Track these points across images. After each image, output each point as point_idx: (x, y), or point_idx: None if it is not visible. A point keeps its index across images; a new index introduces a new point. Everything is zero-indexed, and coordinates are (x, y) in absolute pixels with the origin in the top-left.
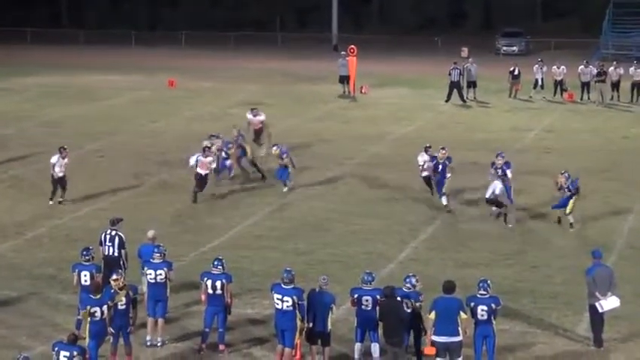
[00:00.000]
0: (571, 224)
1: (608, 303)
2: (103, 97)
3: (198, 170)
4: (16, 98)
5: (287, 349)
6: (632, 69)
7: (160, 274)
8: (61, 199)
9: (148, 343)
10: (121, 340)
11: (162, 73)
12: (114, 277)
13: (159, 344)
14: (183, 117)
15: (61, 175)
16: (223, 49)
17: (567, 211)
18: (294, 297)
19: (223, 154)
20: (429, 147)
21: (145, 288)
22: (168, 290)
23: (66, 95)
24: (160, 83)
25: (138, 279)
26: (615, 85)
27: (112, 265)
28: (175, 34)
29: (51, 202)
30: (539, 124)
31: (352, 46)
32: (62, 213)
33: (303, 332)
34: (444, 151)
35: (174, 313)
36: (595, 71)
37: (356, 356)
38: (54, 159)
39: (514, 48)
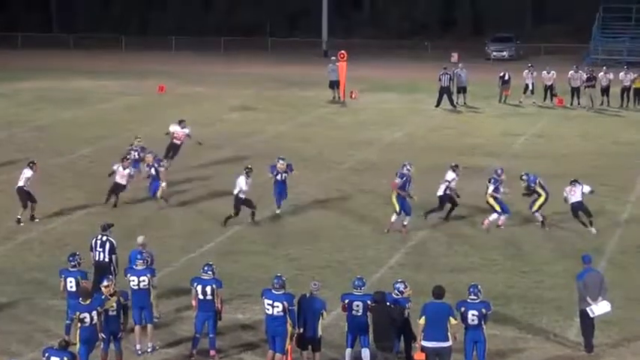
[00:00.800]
0: (542, 222)
1: (599, 308)
2: (94, 102)
3: (117, 180)
4: (7, 103)
5: (278, 355)
6: (621, 74)
7: (144, 281)
8: (22, 212)
9: (139, 352)
10: (112, 346)
11: (153, 78)
12: (105, 283)
13: (149, 350)
14: (174, 122)
15: (27, 190)
16: (213, 54)
17: (534, 208)
18: (285, 302)
19: (153, 170)
20: (457, 166)
21: None
22: (152, 296)
23: (56, 100)
24: (150, 88)
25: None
26: (605, 90)
27: (102, 270)
28: (165, 39)
29: (22, 223)
30: (529, 129)
31: (342, 51)
32: (53, 218)
33: (294, 338)
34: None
35: (165, 319)
36: (585, 76)
37: None
38: (29, 173)
39: (504, 53)
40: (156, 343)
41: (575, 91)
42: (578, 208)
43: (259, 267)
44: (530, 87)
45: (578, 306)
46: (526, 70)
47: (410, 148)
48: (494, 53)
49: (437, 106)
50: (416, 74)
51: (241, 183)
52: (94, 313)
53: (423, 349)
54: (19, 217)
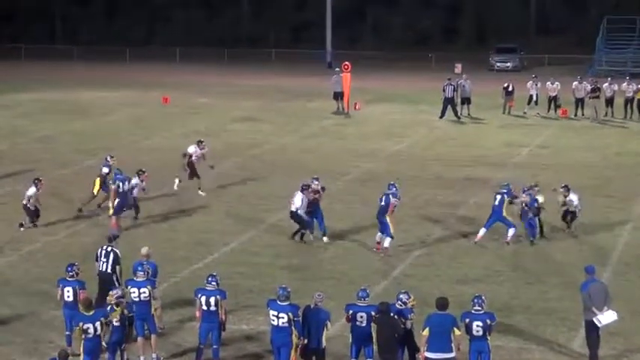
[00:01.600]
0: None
1: (606, 317)
2: (98, 113)
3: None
4: (11, 114)
5: None
6: (624, 85)
7: (144, 293)
8: (30, 225)
9: None
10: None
11: (157, 89)
12: (111, 292)
13: None
14: (178, 133)
15: (32, 208)
16: (218, 66)
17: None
18: (290, 313)
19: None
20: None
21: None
22: (153, 308)
23: (60, 111)
24: (155, 99)
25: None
26: (609, 101)
27: (105, 281)
28: (170, 50)
29: (22, 228)
30: (533, 140)
31: (346, 62)
32: (57, 229)
33: (299, 348)
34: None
35: (169, 330)
36: (589, 87)
37: None
38: (31, 191)
39: (508, 64)
40: (160, 354)
41: (579, 102)
42: (567, 213)
43: (263, 278)
44: (535, 98)
45: (583, 317)
46: (530, 81)
47: (413, 160)
48: (498, 64)
49: (441, 117)
50: (420, 85)
51: (297, 200)
52: (98, 324)
53: None
54: (22, 222)
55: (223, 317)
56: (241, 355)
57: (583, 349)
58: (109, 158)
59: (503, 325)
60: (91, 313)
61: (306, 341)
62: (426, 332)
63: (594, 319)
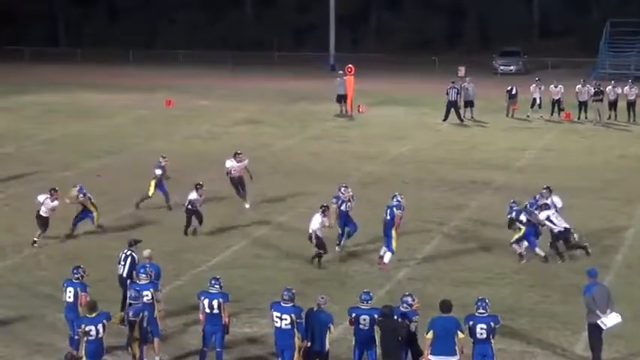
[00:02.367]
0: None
1: (610, 320)
2: (101, 116)
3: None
4: (14, 117)
5: None
6: (626, 88)
7: (147, 295)
8: (36, 238)
9: None
10: None
11: (160, 91)
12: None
13: None
14: (182, 136)
15: (45, 215)
16: (221, 68)
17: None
18: (293, 315)
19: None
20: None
21: None
22: (156, 311)
23: (64, 114)
24: (158, 102)
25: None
26: (612, 105)
27: (123, 285)
28: (173, 53)
29: (36, 244)
30: (536, 144)
31: (350, 65)
32: (60, 232)
33: (302, 351)
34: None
35: (173, 333)
36: (592, 90)
37: None
38: (41, 198)
39: (511, 67)
40: (163, 356)
41: (582, 106)
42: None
43: (266, 280)
44: (538, 101)
45: (586, 320)
46: (533, 85)
47: (417, 162)
48: (502, 67)
49: (444, 120)
50: (423, 88)
51: (315, 222)
52: (100, 326)
53: None
54: (35, 239)
55: (226, 320)
56: (244, 358)
57: (586, 352)
58: (161, 159)
59: (506, 328)
60: (93, 315)
61: (309, 344)
62: (429, 335)
63: (599, 322)
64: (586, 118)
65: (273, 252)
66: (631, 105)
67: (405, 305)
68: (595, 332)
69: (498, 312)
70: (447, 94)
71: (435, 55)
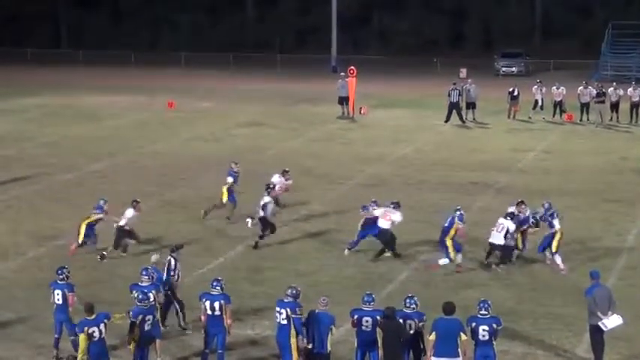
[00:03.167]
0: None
1: (611, 321)
2: (103, 118)
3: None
4: (17, 119)
5: None
6: (630, 90)
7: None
8: (104, 252)
9: None
10: None
11: (162, 93)
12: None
13: None
14: (184, 138)
15: (128, 228)
16: (223, 70)
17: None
18: (288, 309)
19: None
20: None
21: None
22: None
23: (66, 116)
24: (160, 104)
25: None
26: (614, 106)
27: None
28: (175, 55)
29: (105, 260)
30: (538, 145)
31: (352, 67)
32: (62, 233)
33: (301, 351)
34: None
35: (174, 334)
36: (594, 92)
37: None
38: (130, 213)
39: (513, 69)
40: (165, 358)
41: (584, 107)
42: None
43: (269, 282)
44: (540, 103)
45: (588, 321)
46: (535, 86)
47: (419, 164)
48: (503, 69)
49: (446, 121)
50: (425, 90)
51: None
52: (102, 326)
53: None
54: (104, 252)
55: (228, 322)
56: None
57: (588, 354)
58: (233, 166)
59: (508, 329)
60: (93, 316)
61: (310, 346)
62: (432, 337)
63: (600, 324)
64: (588, 119)
65: (275, 254)
66: (634, 107)
67: (412, 306)
68: (597, 334)
69: (500, 314)
70: (449, 95)
71: (436, 56)
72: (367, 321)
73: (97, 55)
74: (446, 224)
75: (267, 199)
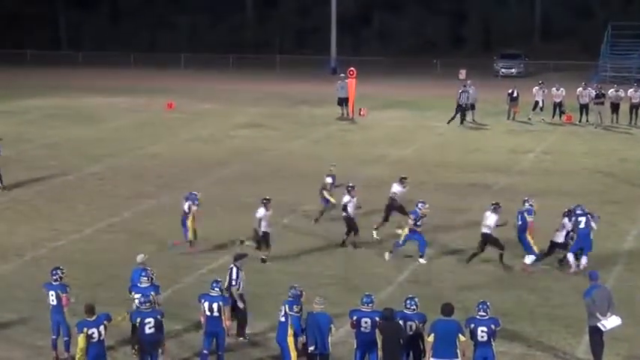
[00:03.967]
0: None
1: (610, 322)
2: (102, 120)
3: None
4: (16, 120)
5: None
6: (630, 91)
7: None
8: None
9: None
10: None
11: (162, 94)
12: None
13: None
14: (183, 139)
15: (267, 230)
16: (222, 72)
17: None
18: (286, 306)
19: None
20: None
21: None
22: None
23: (65, 117)
24: (159, 105)
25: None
26: (614, 108)
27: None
28: (174, 56)
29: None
30: (537, 146)
31: (352, 68)
32: (61, 235)
33: (301, 351)
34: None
35: (174, 335)
36: (594, 93)
37: None
38: (260, 213)
39: (512, 70)
40: (166, 359)
41: (583, 108)
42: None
43: (267, 284)
44: (541, 104)
45: (588, 323)
46: (536, 87)
47: (419, 165)
48: (503, 70)
49: (449, 122)
50: (425, 91)
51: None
52: (102, 327)
53: None
54: (263, 257)
55: (227, 323)
56: None
57: (587, 355)
58: (332, 168)
59: (507, 331)
60: (93, 318)
61: (312, 347)
62: (431, 338)
63: (598, 324)
64: (587, 121)
65: (273, 255)
66: (634, 108)
67: (413, 307)
68: (596, 335)
69: (499, 315)
70: (460, 97)
71: (436, 57)
72: (366, 322)
73: (97, 57)
74: (519, 222)
75: (346, 198)
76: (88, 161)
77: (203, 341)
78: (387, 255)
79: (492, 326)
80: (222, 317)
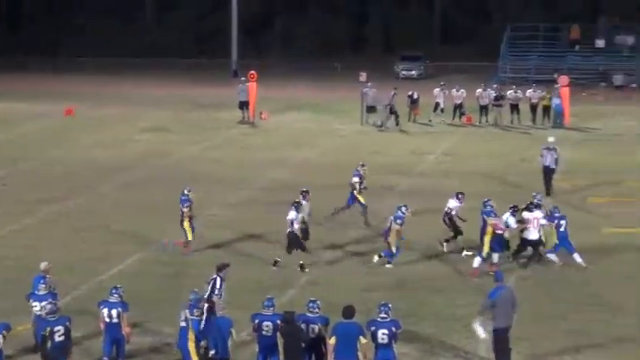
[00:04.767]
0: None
1: (480, 330)
2: (4, 125)
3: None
4: None
5: None
6: (529, 91)
7: (36, 306)
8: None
9: None
10: None
11: (63, 100)
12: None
13: None
14: (84, 145)
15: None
16: (124, 76)
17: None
18: (186, 310)
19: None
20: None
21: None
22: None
23: None
24: (61, 111)
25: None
26: (514, 108)
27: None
28: (78, 61)
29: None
30: (438, 148)
31: (252, 71)
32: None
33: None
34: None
35: (73, 343)
36: (493, 95)
37: None
38: (291, 215)
39: (413, 72)
40: None
41: (483, 110)
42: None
43: (170, 289)
44: (442, 105)
45: (493, 324)
46: (437, 89)
47: (321, 168)
48: (403, 72)
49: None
50: (327, 94)
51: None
52: (0, 338)
53: None
54: (301, 262)
55: (127, 330)
56: None
57: (489, 354)
58: (359, 168)
59: (410, 332)
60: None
61: (213, 352)
62: (332, 341)
63: (475, 325)
64: (487, 121)
65: (175, 260)
66: (534, 108)
67: (316, 310)
68: (499, 336)
69: (402, 316)
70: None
71: (339, 60)
72: (267, 325)
73: None
74: (481, 223)
75: (292, 214)
76: None
77: (103, 348)
78: (375, 258)
79: (393, 329)
80: (122, 324)
